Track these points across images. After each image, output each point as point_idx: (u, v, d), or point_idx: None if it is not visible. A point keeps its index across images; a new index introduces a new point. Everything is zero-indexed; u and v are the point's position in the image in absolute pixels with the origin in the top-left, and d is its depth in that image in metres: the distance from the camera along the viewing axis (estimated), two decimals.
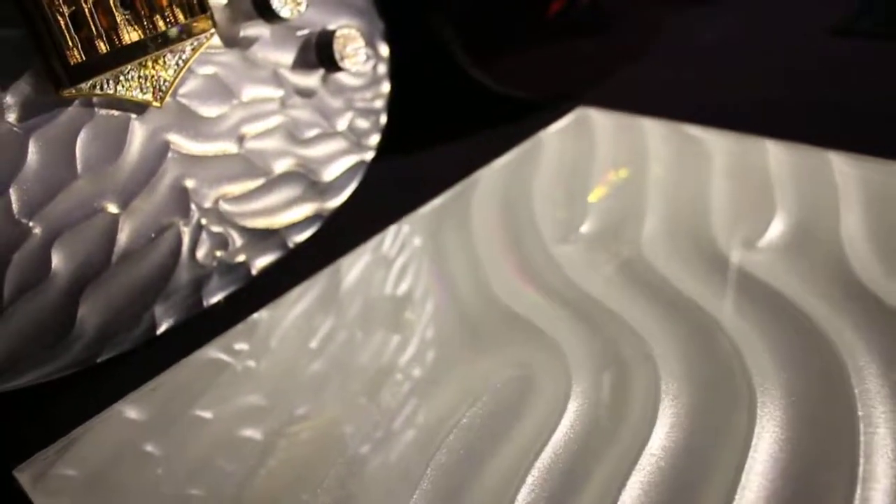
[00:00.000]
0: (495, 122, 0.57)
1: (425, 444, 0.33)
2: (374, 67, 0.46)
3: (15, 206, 0.33)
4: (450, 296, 0.42)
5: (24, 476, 0.33)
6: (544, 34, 0.55)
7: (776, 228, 0.43)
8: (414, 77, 0.52)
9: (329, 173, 0.44)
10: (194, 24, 0.37)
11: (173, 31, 0.36)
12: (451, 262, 0.44)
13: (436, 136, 0.54)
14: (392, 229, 0.47)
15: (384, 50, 0.47)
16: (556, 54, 0.57)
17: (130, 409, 0.36)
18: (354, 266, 0.45)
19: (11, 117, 0.33)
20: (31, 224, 0.34)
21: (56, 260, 0.35)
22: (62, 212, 0.35)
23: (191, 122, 0.38)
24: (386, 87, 0.47)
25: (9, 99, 0.33)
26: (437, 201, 0.48)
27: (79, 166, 0.35)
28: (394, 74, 0.47)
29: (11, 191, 0.33)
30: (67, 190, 0.35)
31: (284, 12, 0.39)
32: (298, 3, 0.40)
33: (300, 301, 0.43)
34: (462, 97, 0.55)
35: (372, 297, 0.43)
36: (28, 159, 0.34)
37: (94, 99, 0.35)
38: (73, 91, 0.34)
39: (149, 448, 0.35)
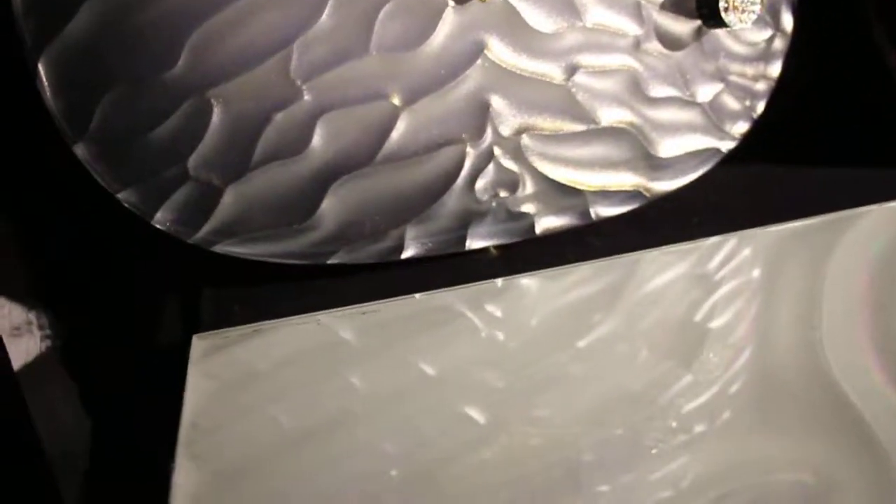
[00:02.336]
0: None
1: None
2: (770, 40, 0.37)
3: (293, 64, 0.30)
4: (770, 350, 0.32)
5: (199, 345, 0.30)
6: None
7: None
8: (817, 66, 0.41)
9: (669, 148, 0.36)
10: None
11: None
12: (784, 309, 0.34)
13: (824, 143, 0.43)
14: (728, 244, 0.37)
15: (788, 22, 0.37)
16: None
17: (335, 324, 0.31)
18: (663, 271, 0.36)
19: None
20: (304, 88, 0.30)
21: (318, 136, 0.31)
22: (341, 85, 0.31)
23: (516, 30, 0.32)
24: (777, 68, 0.37)
25: None
26: (795, 225, 0.37)
27: (373, 41, 0.31)
28: (792, 56, 0.37)
29: (295, 46, 0.30)
30: (353, 64, 0.31)
31: None
32: None
33: (582, 285, 0.35)
34: (879, 104, 0.42)
35: (672, 316, 0.35)
36: (322, 18, 0.30)
37: None
38: None
39: (341, 371, 0.30)
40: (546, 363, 0.33)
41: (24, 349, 0.36)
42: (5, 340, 0.35)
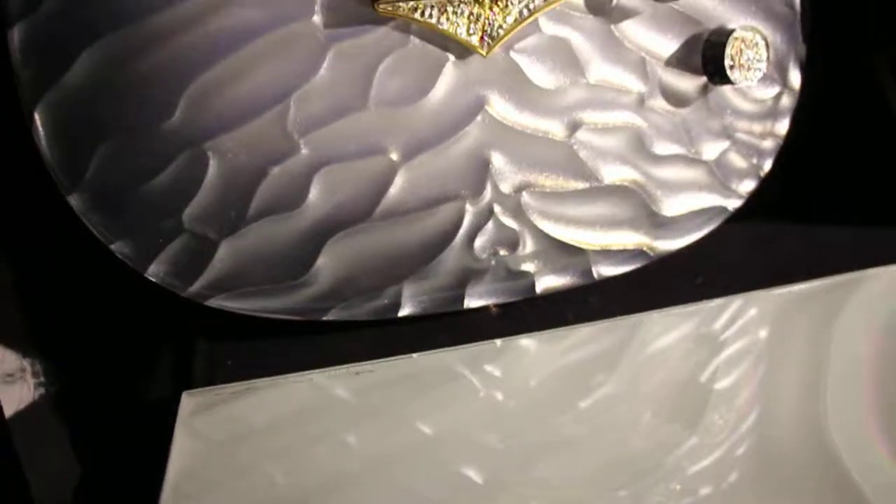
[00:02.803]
0: None
1: None
2: (777, 97, 0.36)
3: (290, 117, 0.30)
4: (775, 416, 0.32)
5: (188, 402, 0.29)
6: None
7: None
8: (827, 125, 0.40)
9: (673, 207, 0.35)
10: None
11: None
12: (789, 374, 0.33)
13: (834, 205, 0.42)
14: (734, 304, 0.36)
15: (796, 79, 0.36)
16: None
17: (330, 383, 0.31)
18: (666, 331, 0.35)
19: (318, 20, 0.29)
20: (301, 141, 0.30)
21: (315, 191, 0.31)
22: (338, 140, 0.30)
23: (517, 86, 0.32)
24: (785, 125, 0.37)
25: None
26: (801, 287, 0.36)
27: (372, 95, 0.30)
28: (801, 114, 0.37)
29: (292, 99, 0.30)
30: (352, 117, 0.30)
31: None
32: None
33: (583, 345, 0.34)
34: (889, 163, 0.41)
35: (676, 378, 0.34)
36: (321, 71, 0.30)
37: (412, 26, 0.30)
38: (391, 8, 0.29)
39: (336, 431, 0.29)
40: (546, 424, 0.32)
41: (17, 396, 0.36)
42: None
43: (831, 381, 0.32)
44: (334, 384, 0.31)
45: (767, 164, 0.37)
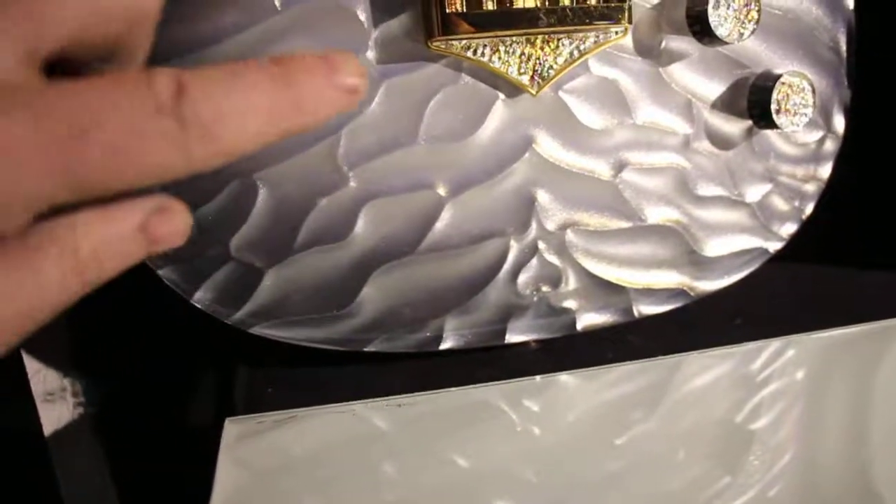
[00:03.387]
0: None
1: None
2: (821, 140, 0.36)
3: (341, 150, 0.30)
4: (812, 458, 0.31)
5: (231, 429, 0.29)
6: None
7: None
8: (870, 167, 0.40)
9: (715, 247, 0.35)
10: (606, 12, 0.30)
11: (578, 12, 0.30)
12: (831, 416, 0.33)
13: (876, 249, 0.42)
14: (772, 346, 0.36)
15: (840, 123, 0.36)
16: None
17: (371, 414, 0.31)
18: (704, 371, 0.35)
19: (371, 55, 0.30)
20: (350, 174, 0.30)
21: (361, 223, 0.31)
22: (387, 174, 0.31)
23: (566, 125, 0.32)
24: (828, 169, 0.37)
25: (377, 34, 0.30)
26: (842, 332, 0.36)
27: (422, 131, 0.31)
28: (844, 158, 0.36)
29: (344, 132, 0.30)
30: (402, 152, 0.31)
31: (722, 31, 0.31)
32: (744, 24, 0.31)
33: (622, 383, 0.34)
34: None
35: (712, 417, 0.34)
36: (373, 106, 0.30)
37: (464, 63, 0.30)
38: (444, 46, 0.29)
39: (376, 462, 0.29)
40: (582, 460, 0.32)
41: (57, 415, 0.36)
42: (38, 405, 0.35)
43: (876, 429, 0.31)
44: (375, 416, 0.31)
45: (810, 207, 0.37)
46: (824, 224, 0.37)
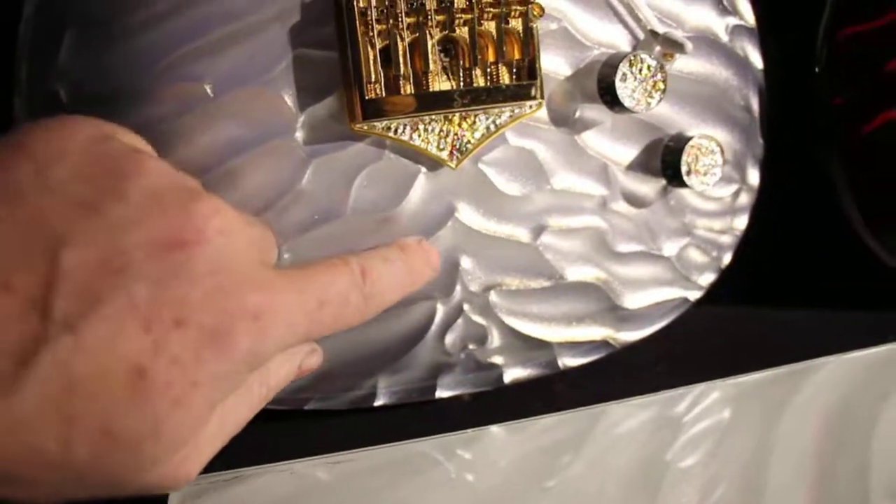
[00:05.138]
0: (875, 304, 0.44)
1: None
2: (735, 194, 0.38)
3: (274, 226, 0.32)
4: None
5: (175, 493, 0.31)
6: None
7: None
8: (782, 220, 0.42)
9: (635, 300, 0.37)
10: (518, 90, 0.32)
11: (492, 91, 0.32)
12: (740, 457, 0.35)
13: (786, 296, 0.43)
14: (697, 390, 0.38)
15: (754, 177, 0.38)
16: None
17: (312, 472, 0.33)
18: (630, 416, 0.37)
19: (300, 136, 0.32)
20: (283, 247, 0.32)
21: None
22: (319, 246, 0.32)
23: (485, 194, 0.34)
24: (743, 222, 0.39)
25: (304, 118, 0.32)
26: (761, 376, 0.38)
27: (350, 205, 0.32)
28: (758, 210, 0.38)
29: (275, 208, 0.32)
30: (331, 225, 0.32)
31: (630, 101, 0.33)
32: (651, 94, 0.33)
33: (549, 431, 0.36)
34: (840, 261, 0.43)
35: (642, 457, 0.36)
36: (303, 183, 0.32)
37: (387, 142, 0.32)
38: (366, 127, 0.31)
39: None
40: (515, 502, 0.34)
41: None
42: None
43: (772, 480, 0.33)
44: (317, 472, 0.33)
45: (727, 257, 0.39)
46: (742, 270, 0.39)
